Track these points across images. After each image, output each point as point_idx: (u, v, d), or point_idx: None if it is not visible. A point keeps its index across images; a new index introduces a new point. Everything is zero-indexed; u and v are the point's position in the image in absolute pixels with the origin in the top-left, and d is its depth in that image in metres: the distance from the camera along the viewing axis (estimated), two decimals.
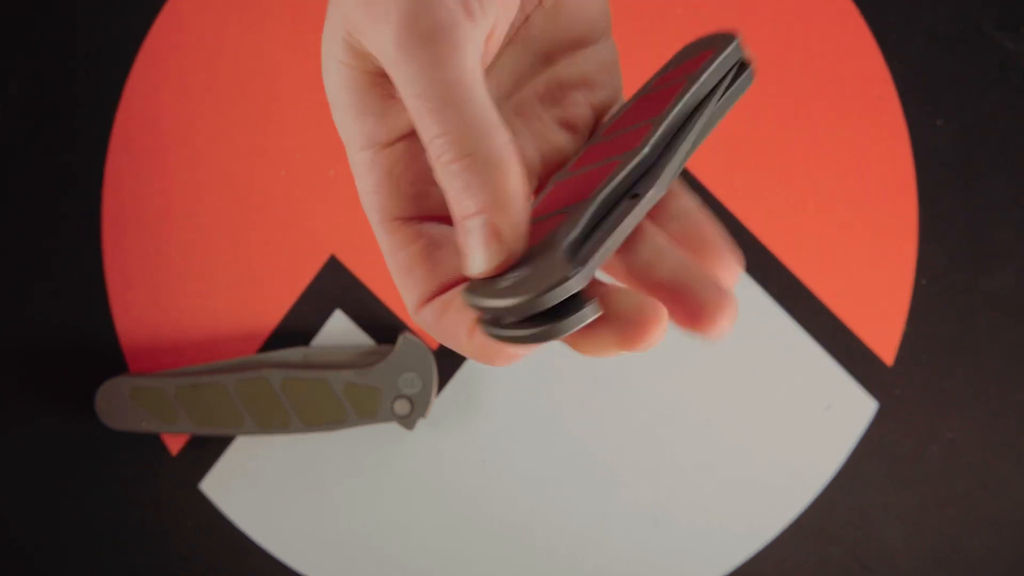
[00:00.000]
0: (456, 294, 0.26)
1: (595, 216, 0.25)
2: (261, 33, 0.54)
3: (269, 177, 0.54)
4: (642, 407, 0.55)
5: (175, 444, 0.54)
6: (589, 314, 0.23)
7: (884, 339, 0.54)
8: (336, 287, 0.54)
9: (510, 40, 0.30)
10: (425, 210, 0.28)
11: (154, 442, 0.54)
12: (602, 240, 0.24)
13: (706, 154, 0.54)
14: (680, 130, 0.27)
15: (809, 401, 0.55)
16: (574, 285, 0.23)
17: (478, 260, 0.24)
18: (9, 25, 0.54)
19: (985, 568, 0.55)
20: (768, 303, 0.54)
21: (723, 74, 0.28)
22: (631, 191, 0.26)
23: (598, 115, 0.30)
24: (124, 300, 0.54)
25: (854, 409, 0.55)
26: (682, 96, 0.27)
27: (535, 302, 0.23)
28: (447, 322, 0.26)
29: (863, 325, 0.54)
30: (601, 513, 0.55)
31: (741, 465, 0.55)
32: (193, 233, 0.54)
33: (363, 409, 0.46)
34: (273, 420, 0.46)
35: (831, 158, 0.54)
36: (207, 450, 0.54)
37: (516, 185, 0.24)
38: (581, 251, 0.24)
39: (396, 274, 0.28)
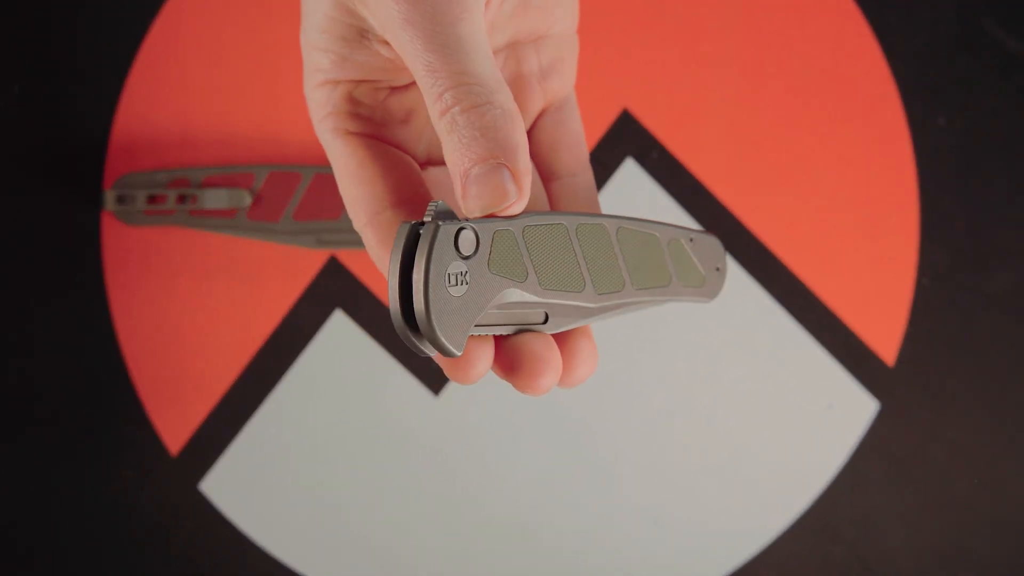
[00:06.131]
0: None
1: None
2: (261, 33, 0.54)
3: None
4: (643, 406, 0.55)
5: (175, 445, 0.54)
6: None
7: (885, 339, 0.54)
8: (336, 287, 0.54)
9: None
10: (379, 136, 0.29)
11: (154, 442, 0.54)
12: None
13: (707, 154, 0.54)
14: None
15: (810, 401, 0.55)
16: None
17: (486, 197, 0.25)
18: (12, 27, 0.53)
19: (986, 568, 0.55)
20: (769, 303, 0.54)
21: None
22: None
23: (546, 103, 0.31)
24: (124, 300, 0.54)
25: (855, 409, 0.55)
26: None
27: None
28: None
29: (864, 325, 0.54)
30: (601, 512, 0.55)
31: (742, 465, 0.55)
32: (193, 233, 0.54)
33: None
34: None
35: (832, 158, 0.54)
36: (207, 450, 0.54)
37: (523, 136, 0.25)
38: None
39: (347, 181, 0.28)
